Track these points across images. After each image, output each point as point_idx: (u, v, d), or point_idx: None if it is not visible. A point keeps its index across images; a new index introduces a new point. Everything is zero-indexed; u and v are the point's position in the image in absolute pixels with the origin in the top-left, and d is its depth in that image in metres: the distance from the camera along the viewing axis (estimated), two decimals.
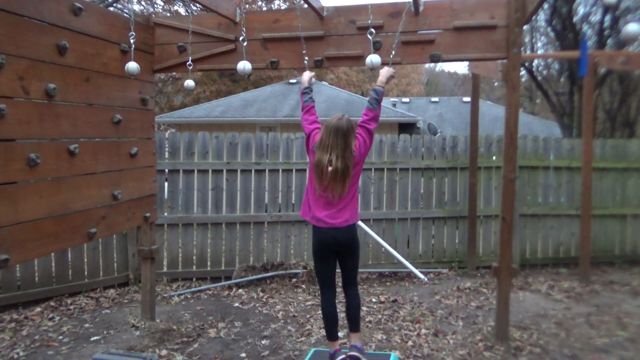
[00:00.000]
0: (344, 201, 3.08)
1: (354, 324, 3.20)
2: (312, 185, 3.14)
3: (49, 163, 2.92)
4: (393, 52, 3.62)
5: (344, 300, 3.38)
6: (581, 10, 15.64)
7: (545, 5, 13.94)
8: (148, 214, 4.10)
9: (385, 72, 3.33)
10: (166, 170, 5.72)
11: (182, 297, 5.21)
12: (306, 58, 3.73)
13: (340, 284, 3.35)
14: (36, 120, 2.84)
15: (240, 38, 3.62)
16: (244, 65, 3.51)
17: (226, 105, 16.56)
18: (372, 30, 3.50)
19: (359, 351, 3.10)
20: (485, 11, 3.68)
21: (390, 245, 6.05)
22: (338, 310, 3.34)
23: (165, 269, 5.77)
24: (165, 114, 17.92)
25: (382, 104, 3.22)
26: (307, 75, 3.50)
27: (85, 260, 5.30)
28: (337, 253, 3.17)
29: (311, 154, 3.16)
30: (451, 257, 6.35)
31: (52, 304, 4.86)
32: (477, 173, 6.21)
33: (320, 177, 3.04)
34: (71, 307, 4.83)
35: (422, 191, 6.31)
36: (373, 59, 3.37)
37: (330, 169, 2.97)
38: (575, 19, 15.18)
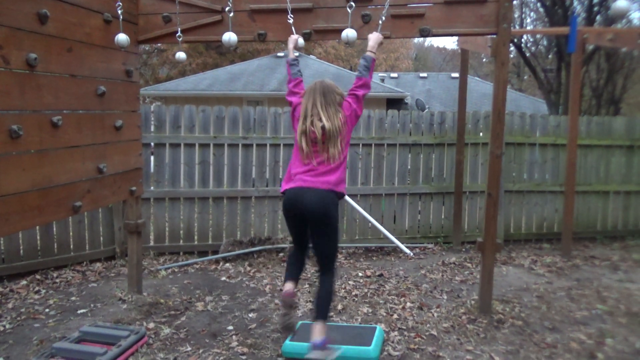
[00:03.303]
0: (329, 167, 2.85)
1: (319, 312, 2.87)
2: (296, 156, 2.97)
3: (31, 135, 2.87)
4: (380, 23, 3.55)
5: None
6: None
7: None
8: (134, 188, 4.07)
9: (374, 37, 3.26)
10: (152, 144, 5.65)
11: (169, 271, 5.22)
12: (290, 16, 3.56)
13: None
14: (17, 91, 2.77)
15: (227, 9, 3.54)
16: (229, 37, 3.45)
17: (213, 79, 16.33)
18: (352, 4, 3.43)
19: (321, 348, 2.74)
20: None
21: (377, 220, 6.10)
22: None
23: (152, 243, 5.75)
24: (150, 87, 17.63)
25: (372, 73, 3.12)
26: (292, 40, 3.40)
27: (71, 233, 5.27)
28: (307, 224, 2.88)
29: (296, 124, 2.98)
30: (437, 233, 6.44)
31: (37, 277, 4.84)
32: (464, 149, 6.24)
33: (306, 144, 2.85)
34: (57, 280, 4.82)
35: (409, 167, 6.33)
36: (349, 33, 3.32)
37: (314, 129, 2.82)
38: None
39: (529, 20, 19.86)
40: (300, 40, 3.46)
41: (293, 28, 3.63)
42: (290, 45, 3.43)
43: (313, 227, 2.87)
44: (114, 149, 3.75)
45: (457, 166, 6.22)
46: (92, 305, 4.20)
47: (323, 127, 2.83)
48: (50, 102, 3.04)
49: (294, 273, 3.08)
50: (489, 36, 4.49)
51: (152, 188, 5.68)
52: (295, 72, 3.20)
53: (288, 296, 2.89)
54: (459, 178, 6.22)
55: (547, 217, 6.67)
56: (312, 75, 15.46)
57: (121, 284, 4.70)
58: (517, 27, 17.79)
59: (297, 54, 3.38)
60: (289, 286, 2.97)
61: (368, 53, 3.14)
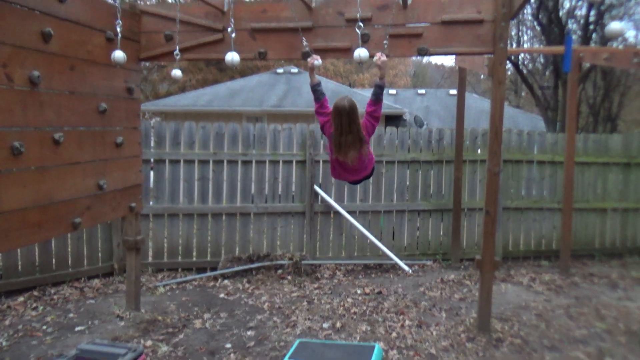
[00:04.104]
0: (358, 167, 3.46)
1: None
2: (331, 152, 3.48)
3: (33, 152, 2.89)
4: (385, 46, 3.63)
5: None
6: (567, 5, 15.82)
7: None
8: (133, 204, 4.08)
9: (382, 64, 3.44)
10: (152, 159, 5.68)
11: (168, 287, 5.21)
12: (305, 42, 3.72)
13: None
14: (19, 109, 2.80)
15: (229, 29, 3.60)
16: (232, 57, 3.49)
17: (212, 94, 16.42)
18: (361, 24, 3.50)
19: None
20: (473, 6, 3.70)
21: (375, 237, 6.10)
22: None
23: (150, 259, 5.74)
24: (150, 102, 17.71)
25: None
26: (310, 65, 3.57)
27: (69, 249, 5.26)
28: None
29: (329, 137, 3.48)
30: (435, 250, 6.43)
31: (35, 293, 4.82)
32: (463, 166, 6.27)
33: (339, 154, 3.39)
34: (55, 296, 4.80)
35: (407, 184, 6.36)
36: (361, 53, 3.39)
37: (344, 144, 3.32)
38: (561, 13, 15.35)
39: (525, 38, 20.07)
40: (318, 62, 3.56)
41: (306, 46, 3.70)
42: (311, 72, 3.59)
43: None
44: (114, 165, 3.77)
45: (456, 183, 6.25)
46: (89, 322, 4.17)
47: (348, 139, 3.32)
48: (52, 119, 3.07)
49: None
50: (486, 55, 4.55)
51: (151, 204, 5.69)
52: (319, 95, 3.50)
53: None
54: (458, 195, 6.24)
55: (545, 234, 6.68)
56: (311, 92, 15.53)
57: (119, 300, 4.68)
58: (514, 45, 17.99)
59: (318, 79, 3.59)
60: None
61: (379, 81, 3.43)
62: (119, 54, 3.48)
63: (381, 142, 6.23)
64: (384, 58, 3.42)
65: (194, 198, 5.78)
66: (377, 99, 3.43)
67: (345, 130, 3.29)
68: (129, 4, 4.06)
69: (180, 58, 3.84)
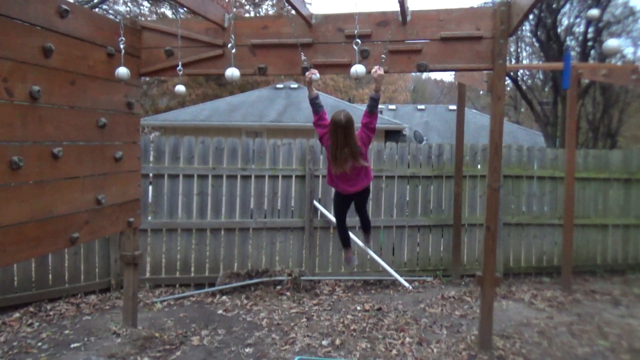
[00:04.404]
0: (356, 178, 3.63)
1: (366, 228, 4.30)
2: (329, 166, 3.64)
3: (32, 166, 2.90)
4: (383, 61, 3.67)
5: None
6: (565, 22, 15.98)
7: (530, 16, 14.20)
8: (132, 219, 4.08)
9: (378, 78, 3.47)
10: (150, 174, 5.68)
11: (165, 303, 5.17)
12: (304, 57, 3.79)
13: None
14: (19, 123, 2.81)
15: (229, 45, 3.63)
16: (232, 72, 3.52)
17: (212, 109, 16.51)
18: (358, 40, 3.54)
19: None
20: (472, 22, 3.75)
21: (375, 252, 6.08)
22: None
23: (148, 275, 5.72)
24: (149, 117, 17.78)
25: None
26: (308, 79, 3.62)
27: (66, 265, 5.24)
28: (353, 203, 4.04)
29: (327, 149, 3.60)
30: (436, 266, 6.41)
31: (31, 309, 4.79)
32: (463, 182, 6.28)
33: (337, 166, 3.51)
34: (51, 312, 4.76)
35: (407, 199, 6.36)
36: (358, 69, 3.41)
37: (340, 156, 3.45)
38: (560, 29, 15.51)
39: (524, 54, 20.26)
40: (316, 76, 3.61)
41: (304, 58, 3.73)
42: (309, 85, 3.65)
43: (358, 201, 4.05)
44: (113, 180, 3.77)
45: (456, 198, 6.25)
46: (85, 339, 4.14)
47: (345, 152, 3.44)
48: (52, 133, 3.08)
49: (347, 241, 4.30)
50: (485, 71, 4.59)
51: (149, 219, 5.68)
52: (317, 108, 3.59)
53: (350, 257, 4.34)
54: (458, 210, 6.24)
55: (546, 250, 6.66)
56: (310, 107, 15.62)
57: (116, 316, 4.65)
58: (513, 61, 18.16)
59: (316, 93, 3.68)
60: (348, 252, 4.37)
61: (373, 93, 3.48)
62: (122, 71, 3.51)
63: (381, 157, 6.25)
64: (380, 72, 3.46)
65: (193, 213, 5.77)
66: (371, 110, 3.50)
67: (342, 143, 3.41)
68: (129, 19, 4.10)
69: (181, 73, 3.87)
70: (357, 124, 3.45)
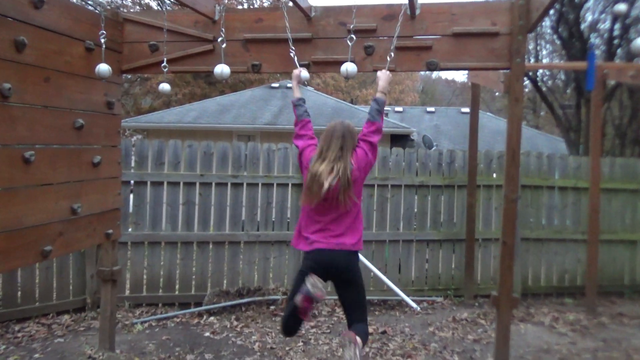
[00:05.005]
0: (343, 224, 3.08)
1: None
2: (306, 207, 3.14)
3: (1, 171, 2.89)
4: (389, 59, 3.68)
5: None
6: (589, 17, 16.08)
7: (551, 11, 14.28)
8: (110, 231, 4.07)
9: (385, 77, 3.43)
10: (132, 181, 5.68)
11: (146, 324, 5.15)
12: (292, 49, 3.72)
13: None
14: None
15: (220, 39, 3.64)
16: (221, 69, 3.53)
17: (200, 110, 16.55)
18: (353, 36, 3.54)
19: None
20: (487, 17, 3.76)
21: (379, 270, 6.07)
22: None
23: (127, 293, 5.69)
24: (131, 118, 17.83)
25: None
26: (295, 77, 3.54)
27: (37, 281, 5.22)
28: (334, 285, 3.17)
29: (305, 171, 3.16)
30: (446, 284, 6.40)
31: None
32: (476, 192, 6.29)
33: (314, 194, 3.02)
34: (19, 334, 4.74)
35: (415, 210, 6.36)
36: (349, 67, 3.41)
37: (325, 183, 2.97)
38: (583, 26, 15.59)
39: (544, 52, 20.40)
40: (304, 74, 3.56)
41: (296, 61, 3.72)
42: (295, 83, 3.57)
43: (341, 284, 3.14)
44: (90, 187, 3.77)
45: (469, 210, 6.25)
46: None
47: (337, 183, 2.98)
48: (24, 135, 3.08)
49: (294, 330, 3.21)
50: (502, 71, 4.61)
51: (130, 230, 5.67)
52: (302, 113, 3.36)
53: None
54: (471, 224, 6.24)
55: (568, 268, 6.66)
56: (309, 108, 15.61)
57: (91, 339, 4.63)
58: (531, 60, 18.24)
59: (301, 94, 3.53)
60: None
61: (380, 95, 3.31)
62: (103, 67, 3.52)
63: (386, 164, 6.26)
64: (388, 73, 3.46)
65: (178, 224, 5.77)
66: (373, 117, 3.22)
67: (335, 154, 3.04)
68: (111, 11, 4.12)
69: (166, 70, 3.88)
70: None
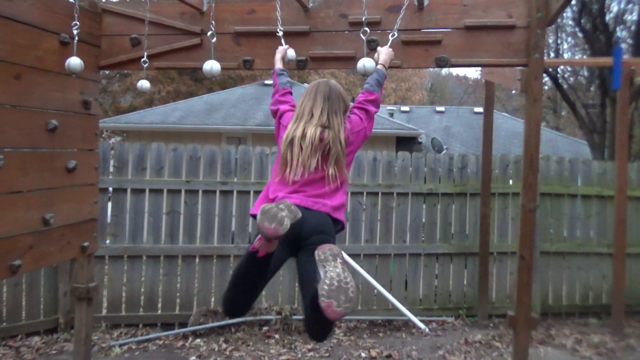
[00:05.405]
0: (322, 189, 2.78)
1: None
2: (276, 176, 2.87)
3: None
4: (390, 40, 3.67)
5: None
6: (615, 8, 16.14)
7: (573, 1, 14.35)
8: (86, 244, 4.06)
9: (386, 51, 3.40)
10: (110, 189, 5.68)
11: (125, 347, 5.14)
12: (280, 29, 3.66)
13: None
14: None
15: (209, 33, 3.65)
16: (211, 66, 3.54)
17: (186, 110, 16.56)
18: (367, 29, 3.56)
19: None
20: (502, 8, 3.78)
21: (384, 286, 6.07)
22: None
23: (104, 312, 5.68)
24: (110, 118, 17.85)
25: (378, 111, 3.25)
26: (281, 50, 3.49)
27: (4, 299, 5.21)
28: (297, 254, 2.74)
29: (283, 130, 2.92)
30: (458, 303, 6.40)
31: None
32: (491, 201, 6.30)
33: (292, 156, 2.76)
34: None
35: (423, 221, 6.37)
36: (366, 63, 3.41)
37: (308, 136, 2.76)
38: (608, 17, 15.66)
39: (565, 46, 20.50)
40: (291, 52, 3.56)
41: (283, 42, 3.73)
42: (278, 55, 3.51)
43: (307, 250, 2.63)
44: (64, 195, 3.76)
45: (482, 221, 6.26)
46: None
47: (322, 136, 2.79)
48: None
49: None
50: (519, 67, 4.63)
51: (107, 243, 5.67)
52: (284, 82, 3.28)
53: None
54: (485, 236, 6.25)
55: (593, 285, 6.66)
56: None
57: None
58: (551, 55, 18.32)
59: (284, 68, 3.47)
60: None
61: (380, 67, 3.28)
62: (74, 61, 3.52)
63: (391, 170, 6.27)
64: (390, 50, 3.41)
65: (161, 236, 5.77)
66: (373, 87, 3.11)
67: (320, 119, 2.83)
68: (88, 1, 4.13)
69: (148, 66, 3.89)
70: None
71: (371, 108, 3.10)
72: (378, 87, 3.18)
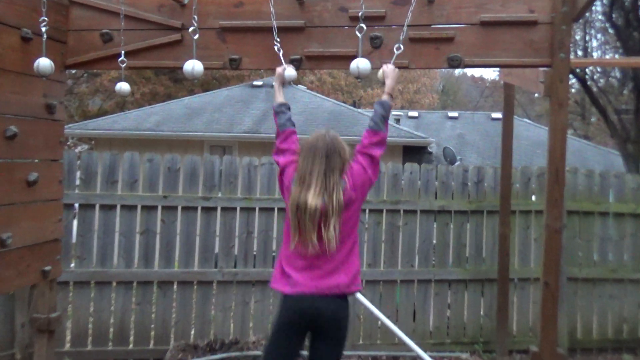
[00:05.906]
0: (334, 259, 3.06)
1: None
2: (287, 239, 3.14)
3: None
4: (396, 52, 3.70)
5: None
6: None
7: None
8: (48, 268, 4.05)
9: (393, 74, 3.43)
10: (76, 205, 5.67)
11: None
12: (277, 41, 3.73)
13: None
14: None
15: (191, 28, 3.67)
16: (192, 66, 3.55)
17: (164, 114, 16.59)
18: (363, 25, 3.57)
19: None
20: (523, 2, 3.81)
21: (389, 317, 6.04)
22: None
23: (68, 347, 5.66)
24: (76, 124, 17.86)
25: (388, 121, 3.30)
26: (279, 77, 3.56)
27: None
28: (310, 333, 3.14)
29: (287, 193, 3.16)
30: (474, 337, 6.39)
31: None
32: (511, 219, 6.29)
33: (298, 223, 3.03)
34: None
35: (434, 242, 6.37)
36: (360, 64, 3.42)
37: (310, 209, 2.97)
38: None
39: (595, 44, 20.62)
40: (291, 72, 3.58)
41: (282, 58, 3.75)
42: (277, 83, 3.59)
43: (319, 339, 3.11)
44: (24, 212, 3.76)
45: (501, 243, 6.25)
46: None
47: (324, 208, 2.97)
48: None
49: None
50: (541, 68, 4.66)
51: (72, 266, 5.65)
52: (284, 123, 3.36)
53: None
54: (504, 259, 6.23)
55: (627, 316, 6.65)
56: (301, 112, 15.79)
57: None
58: (579, 54, 18.42)
59: (284, 98, 3.54)
60: None
61: (386, 98, 3.33)
62: (44, 63, 3.53)
63: (398, 184, 6.28)
64: (396, 69, 3.48)
65: (134, 259, 5.75)
66: (377, 125, 3.23)
67: (316, 182, 3.01)
68: None
69: (124, 65, 3.90)
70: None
71: (376, 152, 3.19)
72: (383, 124, 3.24)
